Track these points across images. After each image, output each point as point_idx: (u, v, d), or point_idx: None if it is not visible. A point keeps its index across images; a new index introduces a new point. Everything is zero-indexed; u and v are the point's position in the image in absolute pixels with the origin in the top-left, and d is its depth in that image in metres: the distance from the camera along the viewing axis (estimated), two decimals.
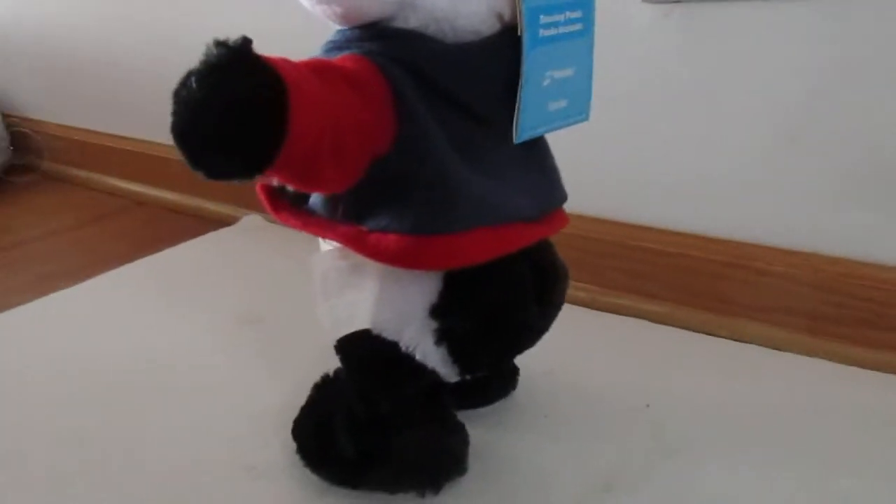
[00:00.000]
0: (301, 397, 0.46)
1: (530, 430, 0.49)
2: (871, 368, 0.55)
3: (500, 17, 0.37)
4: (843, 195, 0.55)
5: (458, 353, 0.39)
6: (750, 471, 0.45)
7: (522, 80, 0.36)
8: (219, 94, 0.29)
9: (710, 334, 0.62)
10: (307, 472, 0.44)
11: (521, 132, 0.38)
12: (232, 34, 0.30)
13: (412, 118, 0.34)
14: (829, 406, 0.52)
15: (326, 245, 0.42)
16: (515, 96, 0.37)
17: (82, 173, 1.14)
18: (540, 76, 0.37)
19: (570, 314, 0.64)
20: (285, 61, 0.31)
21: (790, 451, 0.47)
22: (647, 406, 0.52)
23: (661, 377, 0.55)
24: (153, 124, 0.89)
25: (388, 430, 0.42)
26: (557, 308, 0.43)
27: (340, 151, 0.33)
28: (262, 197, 0.41)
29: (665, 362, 0.57)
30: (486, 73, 0.37)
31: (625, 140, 0.63)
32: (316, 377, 0.46)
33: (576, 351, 0.58)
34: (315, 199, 0.39)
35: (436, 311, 0.38)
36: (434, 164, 0.35)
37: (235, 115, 0.29)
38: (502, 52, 0.36)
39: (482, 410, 0.51)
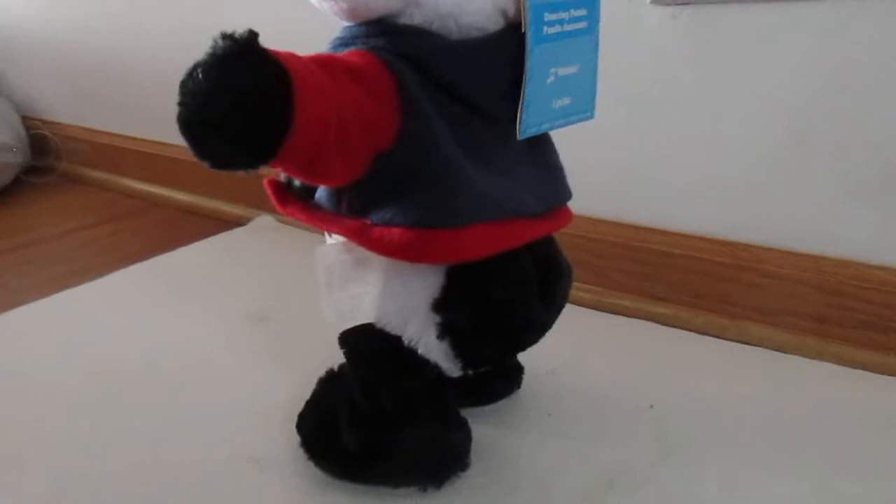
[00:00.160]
0: (307, 393, 0.46)
1: (534, 429, 0.50)
2: (878, 371, 0.55)
3: (504, 13, 0.37)
4: (849, 197, 0.55)
5: (460, 348, 0.40)
6: (753, 472, 0.45)
7: (526, 77, 0.37)
8: (224, 86, 0.29)
9: (715, 336, 0.62)
10: (311, 465, 0.44)
11: (525, 128, 0.38)
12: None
13: (417, 113, 0.35)
14: (835, 408, 0.51)
15: (332, 240, 0.42)
16: (520, 93, 0.37)
17: (99, 175, 1.15)
18: (544, 73, 0.38)
19: (575, 315, 0.65)
20: (291, 55, 0.32)
21: (794, 452, 0.47)
22: (651, 407, 0.52)
23: (664, 378, 0.55)
24: (169, 126, 0.89)
25: (391, 424, 0.42)
26: (561, 305, 0.44)
27: (345, 144, 0.34)
28: (268, 191, 0.41)
29: (669, 363, 0.57)
30: (491, 69, 0.37)
31: (631, 141, 0.63)
32: (322, 373, 0.47)
33: (580, 351, 0.58)
34: (320, 193, 0.40)
35: (438, 306, 0.39)
36: (438, 158, 0.35)
37: (241, 106, 0.30)
38: (507, 48, 0.37)
39: (486, 408, 0.51)
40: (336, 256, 0.40)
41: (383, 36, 0.36)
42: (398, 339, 0.40)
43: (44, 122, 1.21)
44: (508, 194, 0.39)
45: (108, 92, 1.10)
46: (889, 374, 0.55)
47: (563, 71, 0.39)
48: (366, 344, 0.41)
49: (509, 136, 0.38)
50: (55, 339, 0.64)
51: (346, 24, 0.38)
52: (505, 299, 0.39)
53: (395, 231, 0.36)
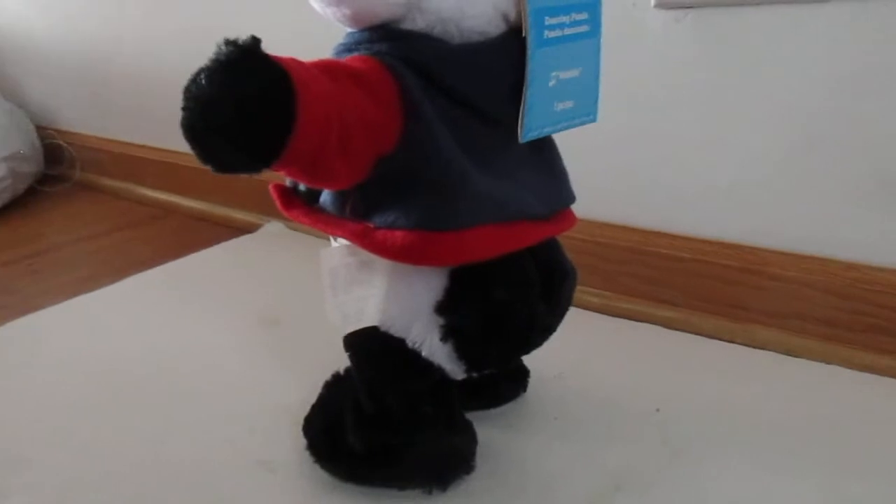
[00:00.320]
0: (315, 396, 0.47)
1: (540, 432, 0.50)
2: (887, 375, 0.55)
3: (505, 18, 0.37)
4: (857, 200, 0.55)
5: (464, 350, 0.40)
6: (760, 476, 0.45)
7: (528, 80, 0.37)
8: (228, 91, 0.30)
9: (723, 340, 0.61)
10: (317, 467, 0.45)
11: (527, 131, 0.38)
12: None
13: (419, 117, 0.35)
14: (843, 412, 0.51)
15: (336, 243, 0.42)
16: (521, 97, 0.37)
17: (114, 183, 1.16)
18: (546, 76, 0.38)
19: (583, 319, 0.65)
20: (294, 60, 0.32)
21: (802, 456, 0.47)
22: (658, 410, 0.51)
23: (672, 382, 0.55)
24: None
25: (396, 427, 0.43)
26: (565, 307, 0.44)
27: (348, 148, 0.34)
28: (274, 195, 0.42)
29: (677, 367, 0.57)
30: (493, 73, 0.37)
31: (638, 145, 0.63)
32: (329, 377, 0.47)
33: (587, 355, 0.58)
34: (324, 196, 0.40)
35: (441, 308, 0.39)
36: (440, 162, 0.36)
37: (244, 111, 0.30)
38: (509, 52, 0.37)
39: (492, 411, 0.51)
40: (341, 259, 0.41)
41: (386, 41, 0.36)
42: (402, 341, 0.40)
43: (59, 131, 1.23)
44: (511, 197, 0.39)
45: (123, 101, 1.11)
46: None
47: (564, 74, 0.39)
48: (371, 346, 0.41)
49: (512, 139, 0.38)
50: (68, 344, 0.64)
51: (349, 29, 0.38)
52: (508, 301, 0.39)
53: (398, 234, 0.36)
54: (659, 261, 0.64)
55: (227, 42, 0.30)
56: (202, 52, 0.30)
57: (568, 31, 0.38)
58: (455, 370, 0.41)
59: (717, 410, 0.51)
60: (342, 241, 0.41)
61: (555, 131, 0.41)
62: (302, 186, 0.42)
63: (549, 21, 0.37)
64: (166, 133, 1.03)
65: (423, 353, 0.40)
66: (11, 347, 0.64)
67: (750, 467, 0.46)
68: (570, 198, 0.44)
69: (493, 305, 0.39)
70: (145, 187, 1.11)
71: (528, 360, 0.52)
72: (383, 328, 0.40)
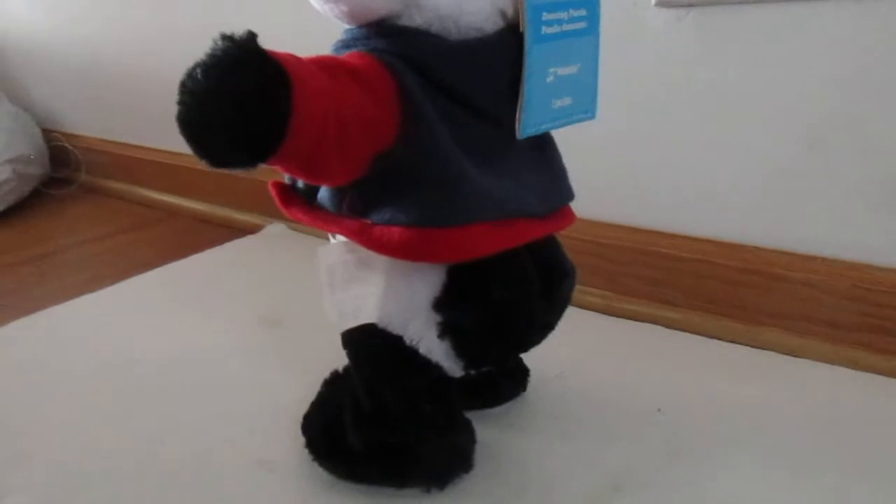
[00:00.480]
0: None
1: (540, 432, 0.49)
2: (892, 376, 0.54)
3: (503, 14, 0.37)
4: (862, 200, 0.55)
5: (462, 347, 0.40)
6: (761, 477, 0.45)
7: (525, 76, 0.37)
8: (223, 85, 0.30)
9: (725, 341, 0.61)
10: (316, 466, 0.44)
11: (525, 128, 0.38)
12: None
13: (417, 114, 0.35)
14: (846, 413, 0.51)
15: (334, 240, 0.42)
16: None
17: (118, 186, 1.17)
18: (543, 73, 0.38)
19: (585, 319, 0.65)
20: (291, 56, 0.32)
21: (804, 457, 0.46)
22: (659, 410, 0.51)
23: (673, 382, 0.54)
24: None
25: (395, 425, 0.42)
26: (564, 305, 0.44)
27: (345, 144, 0.34)
28: (273, 192, 0.42)
29: (679, 368, 0.57)
30: (491, 69, 0.37)
31: (640, 145, 0.63)
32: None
33: (589, 355, 0.58)
34: (322, 194, 0.40)
35: (439, 305, 0.39)
36: (438, 158, 0.36)
37: (240, 106, 0.30)
38: (507, 49, 0.37)
39: (492, 411, 0.51)
40: (338, 256, 0.41)
41: (384, 38, 0.36)
42: (400, 338, 0.40)
43: (64, 134, 1.24)
44: (510, 194, 0.39)
45: (128, 104, 1.11)
46: None
47: (562, 71, 0.39)
48: (368, 343, 0.41)
49: (510, 136, 0.38)
50: (70, 343, 0.64)
51: (346, 26, 0.38)
52: (507, 299, 0.39)
53: (396, 230, 0.36)
54: (661, 261, 0.64)
55: (224, 37, 0.30)
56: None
57: (566, 28, 0.38)
58: (453, 367, 0.41)
59: (719, 411, 0.51)
60: (340, 239, 0.41)
61: (553, 128, 0.41)
62: (301, 184, 0.42)
63: (546, 17, 0.37)
64: (169, 135, 1.02)
65: (421, 351, 0.40)
66: (14, 347, 0.64)
67: (751, 468, 0.45)
68: (570, 195, 0.44)
69: (492, 303, 0.39)
70: (148, 189, 1.12)
71: (530, 360, 0.52)
72: (381, 325, 0.40)
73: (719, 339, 0.61)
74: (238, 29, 0.31)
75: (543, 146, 0.43)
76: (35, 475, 0.47)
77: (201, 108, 0.30)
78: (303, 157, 0.33)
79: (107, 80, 1.13)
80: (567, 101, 0.40)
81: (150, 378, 0.58)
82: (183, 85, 0.30)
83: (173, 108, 0.30)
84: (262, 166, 0.33)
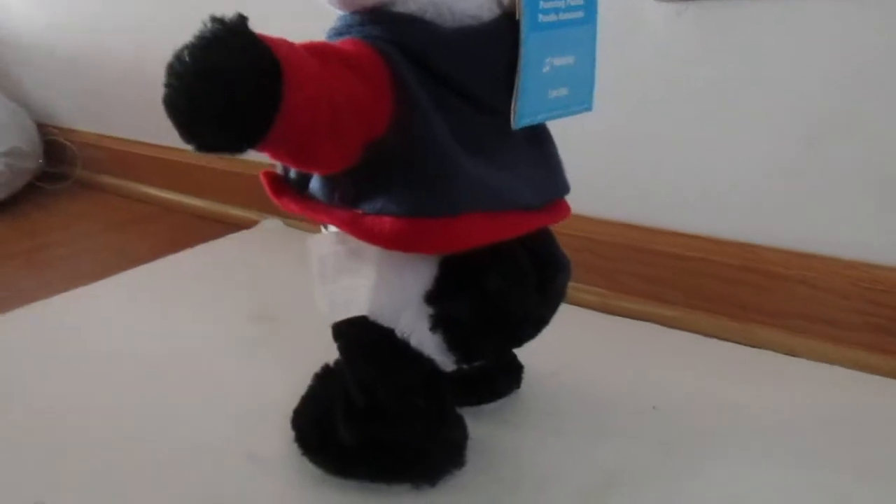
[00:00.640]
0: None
1: (533, 428, 0.49)
2: (890, 376, 0.54)
3: (499, 1, 0.37)
4: (861, 198, 0.54)
5: (454, 341, 0.39)
6: (756, 475, 0.44)
7: (521, 65, 0.36)
8: (212, 68, 0.29)
9: (723, 339, 0.61)
10: (305, 460, 0.44)
11: (520, 118, 0.38)
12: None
13: (411, 101, 0.34)
14: (844, 413, 0.50)
15: (326, 231, 0.42)
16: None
17: (114, 181, 1.16)
18: (539, 62, 0.37)
19: (581, 317, 0.65)
20: (283, 41, 0.32)
21: (800, 456, 0.46)
22: (654, 408, 0.51)
23: (670, 381, 0.54)
24: None
25: (386, 419, 0.42)
26: (558, 299, 0.43)
27: (336, 130, 0.33)
28: (264, 182, 0.41)
29: (674, 366, 0.56)
30: (486, 57, 0.37)
31: (637, 142, 0.63)
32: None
33: (584, 353, 0.57)
34: (314, 183, 0.40)
35: (431, 297, 0.38)
36: (431, 147, 0.35)
37: (228, 89, 0.29)
38: (502, 37, 0.36)
39: (485, 407, 0.50)
40: (329, 247, 0.40)
41: (378, 24, 0.36)
42: (392, 331, 0.39)
43: (60, 128, 1.23)
44: (504, 185, 0.38)
45: (124, 98, 1.11)
46: None
47: (558, 61, 0.38)
48: (359, 336, 0.40)
49: (506, 127, 0.38)
50: (61, 336, 0.64)
51: (340, 13, 0.38)
52: (502, 291, 0.38)
53: (387, 220, 0.36)
54: (658, 259, 0.63)
55: (213, 19, 0.30)
56: None
57: (563, 17, 0.38)
58: (445, 361, 0.40)
59: (714, 409, 0.50)
60: (332, 229, 0.40)
61: (548, 118, 0.40)
62: (293, 174, 0.41)
63: (543, 5, 0.36)
64: (165, 130, 1.02)
65: (412, 344, 0.39)
66: (4, 338, 0.64)
67: (745, 466, 0.45)
68: (565, 188, 0.43)
69: (487, 295, 0.38)
70: (144, 184, 1.11)
71: (525, 357, 0.51)
72: (372, 318, 0.39)
73: (717, 337, 0.61)
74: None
75: (541, 141, 0.42)
76: (23, 470, 0.46)
77: (188, 90, 0.29)
78: (293, 144, 0.33)
79: (103, 76, 1.12)
80: (563, 91, 0.39)
81: (142, 372, 0.57)
82: (170, 67, 0.29)
83: None
84: (255, 155, 0.32)
